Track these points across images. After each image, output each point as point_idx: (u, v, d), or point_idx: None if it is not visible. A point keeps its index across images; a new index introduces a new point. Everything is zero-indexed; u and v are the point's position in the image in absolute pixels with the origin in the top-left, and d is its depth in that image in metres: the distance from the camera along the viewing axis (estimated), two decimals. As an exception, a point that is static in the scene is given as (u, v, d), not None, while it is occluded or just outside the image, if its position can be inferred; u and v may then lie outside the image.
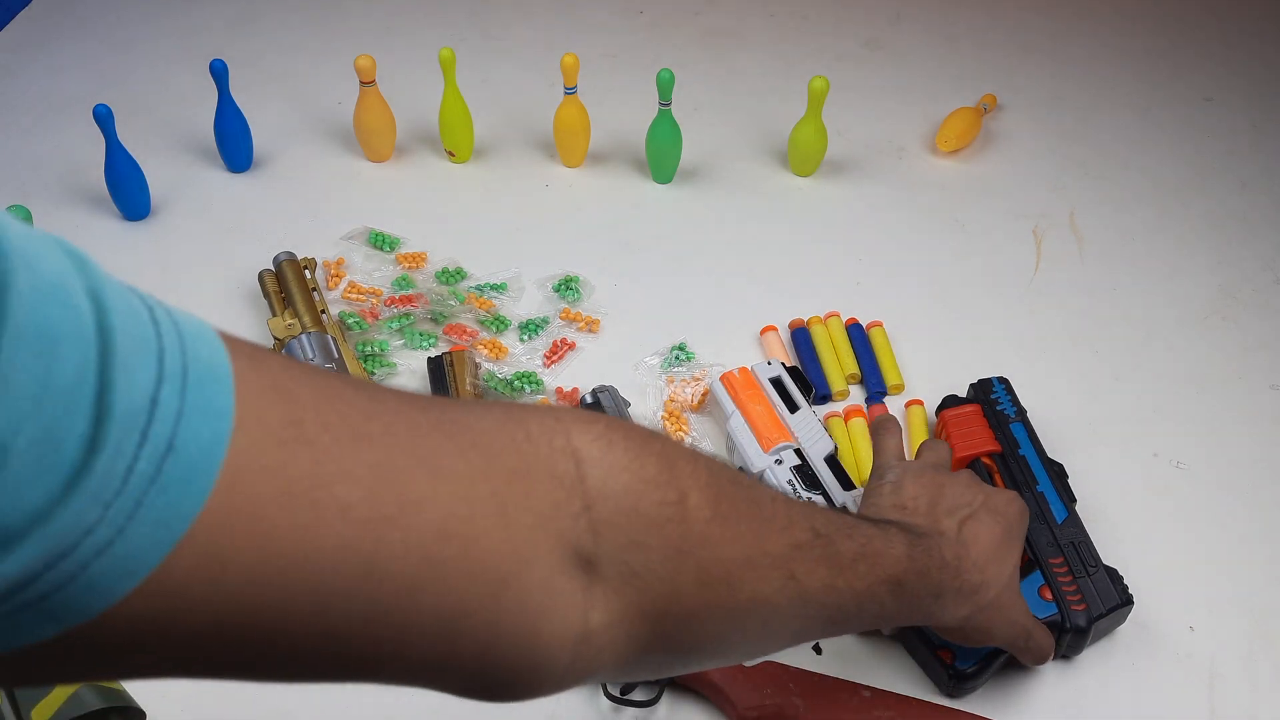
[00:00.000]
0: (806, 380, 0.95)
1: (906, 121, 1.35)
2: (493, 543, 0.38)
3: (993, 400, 0.90)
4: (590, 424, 0.43)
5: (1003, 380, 0.92)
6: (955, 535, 0.66)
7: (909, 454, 0.87)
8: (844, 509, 0.82)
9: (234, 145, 1.22)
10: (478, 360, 0.99)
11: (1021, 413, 0.90)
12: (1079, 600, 0.76)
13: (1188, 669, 0.79)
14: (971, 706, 0.75)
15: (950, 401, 0.92)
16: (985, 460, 0.86)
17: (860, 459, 0.91)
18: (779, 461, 0.86)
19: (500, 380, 0.98)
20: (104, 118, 1.08)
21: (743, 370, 0.93)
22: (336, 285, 1.08)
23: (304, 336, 0.95)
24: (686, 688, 0.76)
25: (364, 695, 0.73)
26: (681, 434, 0.94)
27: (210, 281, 1.09)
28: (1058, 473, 0.85)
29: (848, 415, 0.95)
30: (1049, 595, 0.76)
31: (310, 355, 0.93)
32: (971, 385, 0.93)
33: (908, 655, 0.79)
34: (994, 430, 0.88)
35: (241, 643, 0.33)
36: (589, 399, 0.92)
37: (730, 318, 1.06)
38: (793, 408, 0.90)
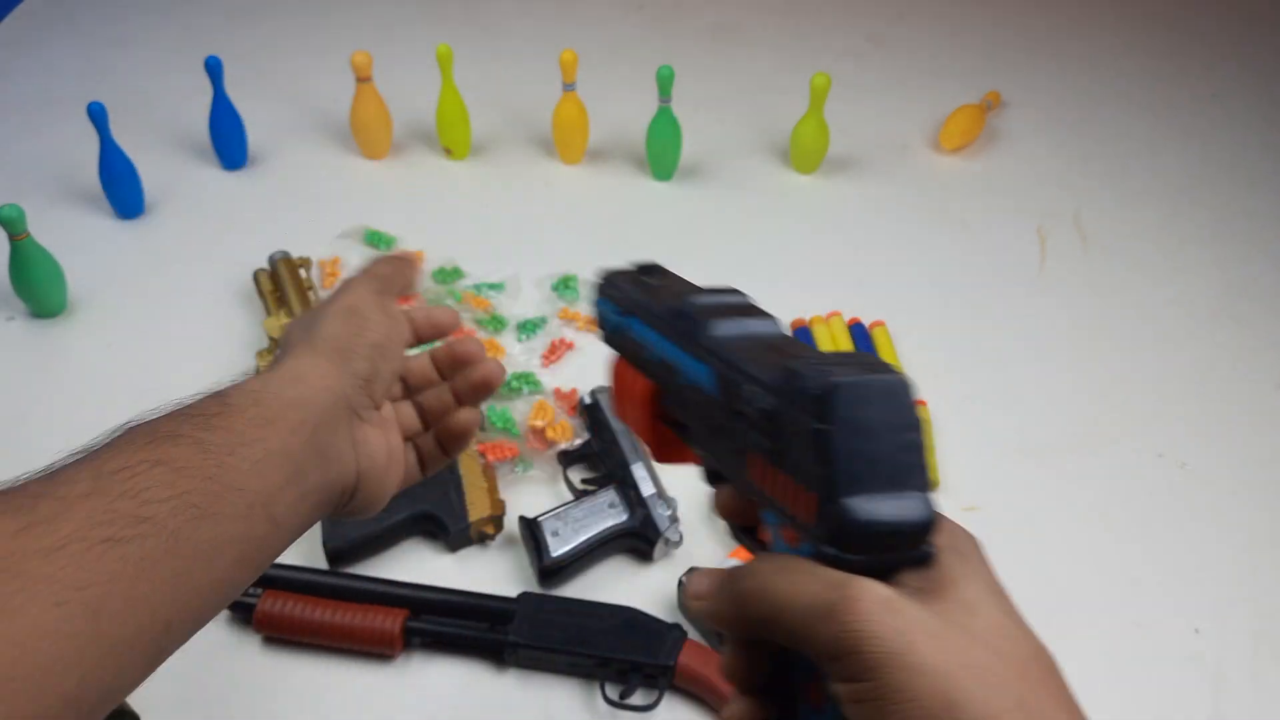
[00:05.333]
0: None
1: (909, 118, 1.34)
2: None
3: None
4: None
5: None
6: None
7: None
8: None
9: (228, 142, 1.21)
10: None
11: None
12: None
13: (1193, 671, 0.78)
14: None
15: None
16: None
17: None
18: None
19: (498, 380, 0.97)
20: (98, 115, 1.07)
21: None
22: (332, 284, 1.07)
23: (299, 336, 0.93)
24: (687, 692, 0.75)
25: (362, 698, 0.72)
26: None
27: (204, 281, 1.07)
28: None
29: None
30: None
31: (305, 355, 0.92)
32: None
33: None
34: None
35: None
36: (588, 400, 0.91)
37: (731, 317, 1.05)
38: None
